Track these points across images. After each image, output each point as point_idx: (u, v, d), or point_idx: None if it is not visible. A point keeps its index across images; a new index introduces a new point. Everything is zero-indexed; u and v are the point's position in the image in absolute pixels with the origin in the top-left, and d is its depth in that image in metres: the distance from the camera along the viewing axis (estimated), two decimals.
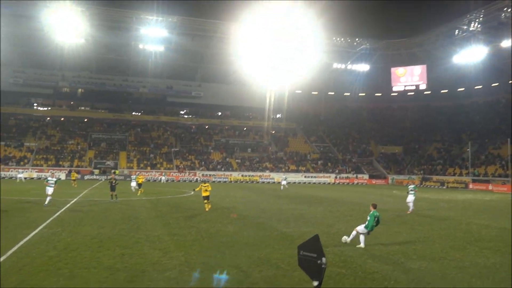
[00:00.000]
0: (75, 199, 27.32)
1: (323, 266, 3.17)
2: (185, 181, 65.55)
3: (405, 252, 12.45)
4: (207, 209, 21.97)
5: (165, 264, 10.32)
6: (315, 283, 3.19)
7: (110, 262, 10.34)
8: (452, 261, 11.28)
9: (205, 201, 22.35)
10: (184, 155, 74.88)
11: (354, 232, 13.11)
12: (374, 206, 13.44)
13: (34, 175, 59.22)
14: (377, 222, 13.08)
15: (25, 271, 9.36)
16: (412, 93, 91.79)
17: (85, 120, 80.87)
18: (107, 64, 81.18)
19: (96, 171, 64.64)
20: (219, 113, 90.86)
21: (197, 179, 67.17)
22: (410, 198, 24.10)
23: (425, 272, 10.07)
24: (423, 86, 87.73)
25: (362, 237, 12.96)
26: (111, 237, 13.85)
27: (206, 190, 22.41)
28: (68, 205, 23.61)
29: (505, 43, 68.12)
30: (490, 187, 57.15)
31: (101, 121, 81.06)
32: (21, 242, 12.54)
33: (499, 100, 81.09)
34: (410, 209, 24.02)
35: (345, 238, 13.28)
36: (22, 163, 63.31)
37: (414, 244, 13.75)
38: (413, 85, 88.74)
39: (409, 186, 25.22)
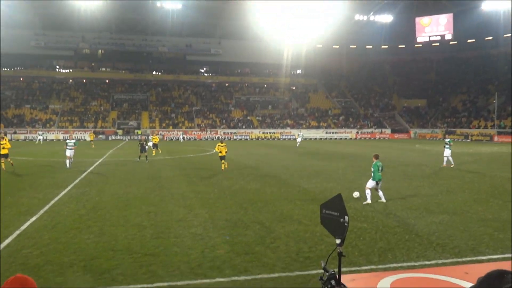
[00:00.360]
0: (101, 160, 28.04)
1: (345, 224, 3.24)
2: (206, 139, 66.22)
3: (427, 206, 12.48)
4: (223, 168, 21.65)
5: (190, 221, 10.64)
6: (338, 241, 3.28)
7: (137, 219, 10.73)
8: (475, 214, 11.28)
9: (222, 161, 22.00)
10: (205, 113, 75.22)
11: (367, 191, 13.00)
12: (376, 157, 13.54)
13: (60, 136, 60.60)
14: (381, 171, 13.19)
15: (58, 228, 9.81)
16: (437, 43, 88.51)
17: (107, 81, 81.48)
18: (127, 24, 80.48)
19: (120, 132, 65.76)
20: (239, 71, 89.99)
21: (218, 137, 67.65)
22: (447, 152, 23.76)
23: (447, 225, 10.12)
24: (448, 36, 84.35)
25: (368, 192, 12.99)
26: (137, 195, 14.29)
27: (221, 151, 21.99)
28: (94, 165, 24.29)
29: None
30: None
31: (122, 81, 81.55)
32: (52, 202, 13.08)
33: None
34: (444, 163, 23.79)
35: (356, 194, 13.40)
36: (48, 125, 64.86)
37: (436, 198, 13.76)
38: (438, 35, 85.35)
39: (446, 140, 24.91)
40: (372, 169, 13.19)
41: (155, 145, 32.96)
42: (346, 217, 3.23)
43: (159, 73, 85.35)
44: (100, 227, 9.90)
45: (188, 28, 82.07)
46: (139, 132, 63.16)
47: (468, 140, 62.22)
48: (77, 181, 17.74)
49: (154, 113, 73.32)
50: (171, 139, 64.04)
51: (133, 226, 10.01)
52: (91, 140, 46.66)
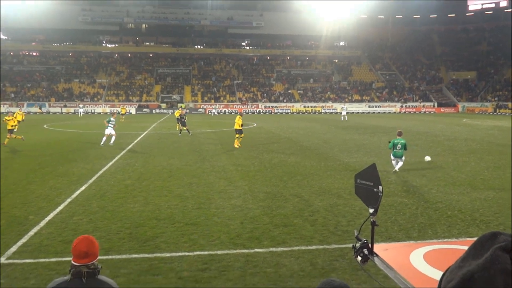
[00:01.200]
0: (145, 132, 28.87)
1: (379, 194, 3.24)
2: (247, 113, 66.46)
3: (472, 182, 12.13)
4: (235, 145, 20.35)
5: (230, 192, 10.89)
6: (371, 210, 3.29)
7: (179, 190, 11.09)
8: None
9: (236, 135, 20.56)
10: (247, 87, 75.29)
11: (393, 161, 13.96)
12: (399, 133, 14.05)
13: (108, 110, 62.58)
14: (404, 148, 13.58)
15: (106, 197, 10.32)
16: (491, 12, 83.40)
17: (150, 55, 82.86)
18: None
19: (163, 105, 67.12)
20: (281, 43, 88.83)
21: (259, 111, 67.81)
22: None
23: (492, 201, 9.83)
24: (503, 3, 79.31)
25: (393, 162, 13.88)
26: (179, 167, 14.70)
27: (237, 123, 20.60)
28: (139, 138, 25.07)
29: None
30: None
31: (165, 55, 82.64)
32: (100, 172, 13.71)
33: None
34: None
35: (427, 158, 15.09)
36: (95, 99, 67.14)
37: (482, 174, 13.33)
38: (492, 2, 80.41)
39: None
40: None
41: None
42: (380, 187, 3.22)
43: (201, 47, 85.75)
44: (144, 197, 10.33)
45: (230, 1, 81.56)
46: (183, 105, 64.26)
47: None
48: (123, 152, 18.43)
49: (197, 86, 74.16)
50: (213, 113, 64.74)
51: (176, 197, 10.37)
52: (122, 114, 45.96)
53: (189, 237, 7.47)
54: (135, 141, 23.02)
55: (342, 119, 45.46)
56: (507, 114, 61.34)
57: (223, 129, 32.81)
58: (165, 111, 64.49)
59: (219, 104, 68.02)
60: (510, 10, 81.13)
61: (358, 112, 66.87)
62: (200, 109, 65.50)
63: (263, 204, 9.71)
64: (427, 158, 15.10)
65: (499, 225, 8.08)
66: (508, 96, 68.34)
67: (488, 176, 13.01)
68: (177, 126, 29.08)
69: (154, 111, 63.74)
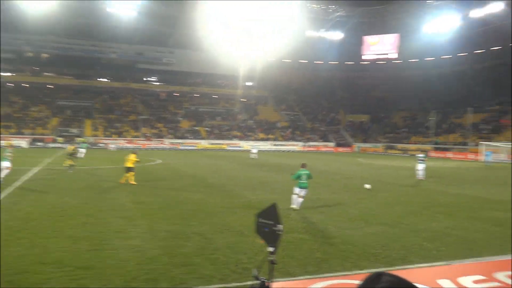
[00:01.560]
0: (38, 168, 26.76)
1: (279, 233, 3.31)
2: (152, 149, 64.94)
3: (365, 217, 12.91)
4: (121, 181, 19.84)
5: (129, 232, 10.37)
6: (271, 249, 3.34)
7: (71, 231, 10.30)
8: (408, 225, 11.81)
9: (127, 173, 19.95)
10: (152, 123, 73.92)
11: (293, 196, 14.02)
12: (302, 166, 14.43)
13: None
14: (309, 177, 14.16)
15: None
16: (383, 62, 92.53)
17: (50, 86, 78.06)
18: (75, 28, 77.53)
19: (60, 139, 63.06)
20: (190, 81, 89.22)
21: (164, 147, 66.68)
22: (420, 166, 25.17)
23: (381, 235, 10.52)
24: (393, 55, 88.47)
25: (293, 196, 13.96)
26: (74, 206, 13.74)
27: (130, 161, 20.10)
28: (30, 174, 23.12)
29: (474, 13, 69.08)
30: (449, 154, 59.21)
31: (67, 87, 78.53)
32: None
33: (465, 71, 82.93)
34: (421, 176, 24.93)
35: (367, 186, 17.23)
36: None
37: (374, 210, 14.28)
38: (384, 54, 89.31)
39: (418, 156, 26.24)
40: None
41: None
42: (280, 226, 3.29)
43: (107, 80, 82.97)
44: (30, 239, 9.41)
45: (140, 36, 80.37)
46: (83, 139, 60.87)
47: (407, 155, 65.11)
48: (10, 190, 16.79)
49: (99, 120, 71.10)
50: (112, 148, 62.25)
51: (67, 238, 9.60)
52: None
53: (78, 282, 6.90)
54: (25, 178, 21.16)
55: (252, 156, 45.79)
56: (395, 154, 67.20)
57: (124, 165, 31.52)
58: (61, 145, 60.56)
59: (122, 139, 65.62)
60: (399, 61, 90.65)
61: (263, 150, 68.69)
62: (100, 144, 62.59)
63: (163, 244, 9.37)
64: (367, 186, 18.00)
65: (386, 257, 8.63)
66: (396, 138, 75.21)
67: (379, 212, 13.97)
68: (69, 161, 27.34)
69: (49, 145, 59.49)
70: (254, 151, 47.57)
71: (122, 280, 7.06)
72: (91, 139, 63.21)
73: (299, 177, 13.94)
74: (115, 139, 65.46)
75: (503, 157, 51.86)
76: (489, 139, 56.61)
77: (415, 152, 64.68)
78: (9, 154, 20.16)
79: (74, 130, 66.62)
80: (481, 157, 50.52)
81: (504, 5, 65.16)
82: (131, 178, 19.82)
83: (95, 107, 75.39)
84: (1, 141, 53.54)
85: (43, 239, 9.42)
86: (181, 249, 9.01)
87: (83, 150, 42.29)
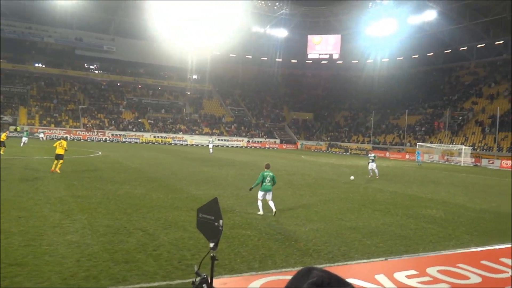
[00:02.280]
0: None
1: (220, 228, 3.28)
2: (92, 140, 62.65)
3: (307, 214, 13.22)
4: (52, 170, 19.89)
5: (66, 227, 9.93)
6: (211, 245, 3.31)
7: (4, 226, 9.69)
8: (348, 222, 12.23)
9: (56, 161, 20.04)
10: (93, 113, 71.15)
11: (258, 202, 12.89)
12: (266, 166, 13.35)
13: None
14: (273, 181, 12.93)
15: None
16: (326, 61, 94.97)
17: None
18: (9, 8, 72.54)
19: (18, 128, 59.02)
20: (133, 70, 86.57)
21: (106, 138, 64.53)
22: (371, 165, 25.98)
23: (323, 232, 10.81)
24: (336, 56, 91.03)
25: (259, 203, 12.83)
26: (6, 199, 12.93)
27: (61, 147, 20.19)
28: None
29: (412, 20, 72.55)
30: (387, 154, 62.07)
31: None
32: None
33: (402, 74, 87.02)
34: (376, 175, 25.97)
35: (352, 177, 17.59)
36: None
37: (316, 207, 14.64)
38: (327, 54, 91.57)
39: (370, 156, 27.10)
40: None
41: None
42: (221, 221, 3.28)
43: (43, 66, 78.57)
44: None
45: (80, 21, 76.59)
46: (18, 128, 57.42)
47: (348, 154, 67.50)
48: None
49: (35, 108, 67.36)
50: (52, 138, 59.45)
51: None
52: None
53: (11, 280, 6.51)
54: None
55: (211, 152, 45.51)
56: (337, 152, 69.38)
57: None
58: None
59: (59, 129, 62.70)
60: (341, 62, 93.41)
61: (207, 145, 68.40)
62: (36, 134, 59.35)
63: (103, 239, 9.07)
64: (352, 178, 22.98)
65: (328, 253, 8.90)
66: (338, 136, 77.61)
67: (321, 208, 14.36)
68: (1, 149, 27.25)
69: None
70: (211, 146, 47.54)
71: (59, 277, 6.76)
72: (26, 128, 59.84)
73: (262, 179, 12.82)
74: (53, 129, 62.40)
75: (436, 158, 55.15)
76: (424, 141, 59.98)
77: (356, 151, 67.40)
78: None
79: (7, 118, 62.62)
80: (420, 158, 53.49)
81: (437, 14, 69.02)
82: (58, 166, 19.95)
83: (30, 94, 71.26)
84: None
85: None
86: (123, 245, 8.77)
87: (25, 139, 40.28)
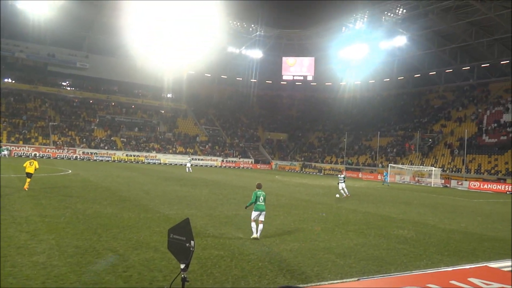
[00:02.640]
0: None
1: (191, 249, 3.23)
2: (62, 158, 61.20)
3: (281, 234, 13.18)
4: (25, 187, 20.10)
5: (33, 248, 9.58)
6: (182, 266, 3.25)
7: None
8: (322, 242, 12.24)
9: (28, 179, 20.40)
10: (64, 130, 69.69)
11: (252, 224, 12.38)
12: (258, 186, 12.95)
13: None
14: (262, 201, 12.54)
15: None
16: (300, 83, 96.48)
17: None
18: None
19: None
20: (106, 88, 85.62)
21: (76, 156, 63.18)
22: (341, 185, 27.14)
23: (296, 252, 10.78)
24: (310, 77, 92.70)
25: (252, 224, 12.34)
26: None
27: (31, 166, 20.60)
28: None
29: (383, 44, 74.80)
30: (360, 175, 62.90)
31: None
32: None
33: (374, 97, 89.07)
34: (347, 194, 27.08)
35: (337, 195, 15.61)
36: None
37: (289, 227, 14.62)
38: (301, 75, 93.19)
39: (339, 176, 28.18)
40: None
41: None
42: (192, 242, 3.23)
43: (13, 81, 76.73)
44: None
45: (53, 37, 75.48)
46: None
47: (321, 174, 68.06)
48: None
49: (3, 124, 65.46)
50: (21, 155, 57.86)
51: None
52: None
53: None
54: None
55: (187, 170, 46.23)
56: (311, 172, 69.87)
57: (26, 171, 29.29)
58: None
59: (28, 146, 61.11)
60: (315, 83, 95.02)
61: (182, 164, 67.78)
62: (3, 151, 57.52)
63: (71, 261, 8.78)
64: (337, 195, 24.98)
65: (302, 274, 8.86)
66: (312, 157, 78.27)
67: (294, 228, 14.34)
68: None
69: None
70: (189, 165, 48.39)
71: None
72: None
73: (256, 199, 12.42)
74: (21, 146, 60.73)
75: (407, 179, 56.21)
76: (395, 162, 61.15)
77: (329, 171, 68.05)
78: None
79: None
80: (392, 179, 54.77)
81: (407, 39, 71.43)
82: (26, 184, 20.34)
83: None
84: None
85: None
86: (91, 266, 8.51)
87: (6, 153, 39.75)
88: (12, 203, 15.84)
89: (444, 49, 70.24)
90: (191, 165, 50.25)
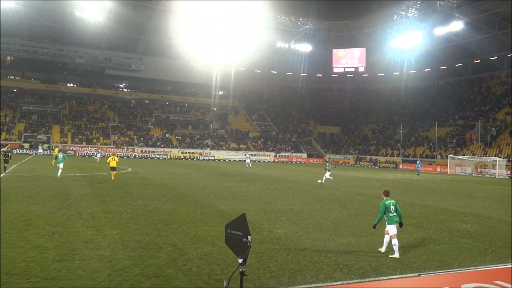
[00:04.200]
0: (2, 174, 25.82)
1: (248, 244, 3.27)
2: (123, 157, 63.87)
3: (337, 228, 13.03)
4: (113, 178, 25.26)
5: (98, 242, 10.11)
6: (240, 260, 3.30)
7: (38, 241, 9.96)
8: (379, 237, 11.91)
9: (113, 172, 25.46)
10: (122, 130, 72.73)
11: (386, 237, 10.24)
12: (385, 193, 10.75)
13: None
14: (394, 212, 10.23)
15: None
16: (352, 75, 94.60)
17: (15, 90, 75.64)
18: (41, 31, 75.58)
19: (26, 145, 61.21)
20: (160, 88, 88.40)
21: (135, 155, 65.69)
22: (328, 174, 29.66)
23: (353, 247, 10.63)
24: (361, 69, 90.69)
25: (386, 238, 10.20)
26: (41, 214, 13.31)
27: (114, 161, 25.46)
28: None
29: (438, 31, 71.66)
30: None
31: (32, 91, 76.26)
32: None
33: (430, 86, 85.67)
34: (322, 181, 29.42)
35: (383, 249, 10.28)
36: None
37: (345, 221, 14.42)
38: (352, 67, 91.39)
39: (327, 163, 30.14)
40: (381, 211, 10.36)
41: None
42: (249, 237, 3.27)
43: (75, 85, 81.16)
44: None
45: (109, 41, 79.41)
46: (53, 147, 59.28)
47: (376, 167, 66.45)
48: None
49: (67, 127, 69.39)
50: (84, 155, 61.03)
51: (34, 248, 9.27)
52: None
53: None
54: None
55: (247, 166, 48.86)
56: (365, 166, 68.43)
57: (93, 173, 30.88)
58: (28, 151, 58.85)
59: (91, 147, 64.33)
60: (367, 74, 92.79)
61: (235, 160, 68.69)
62: (69, 151, 61.08)
63: (134, 254, 9.18)
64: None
65: (359, 268, 8.73)
66: (366, 150, 76.60)
67: (350, 223, 14.13)
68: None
69: (14, 151, 57.59)
70: (248, 161, 50.92)
71: None
72: (60, 145, 61.62)
73: (386, 211, 10.20)
74: (84, 146, 64.11)
75: (469, 170, 53.65)
76: (455, 153, 58.52)
77: (384, 164, 66.31)
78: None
79: (41, 136, 64.72)
80: (452, 170, 52.82)
81: (463, 24, 67.94)
82: (113, 175, 25.55)
83: (63, 113, 73.55)
84: None
85: (8, 250, 9.07)
86: (153, 259, 8.85)
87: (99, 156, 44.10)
88: (78, 200, 16.76)
89: (506, 32, 66.13)
90: (250, 161, 52.13)
